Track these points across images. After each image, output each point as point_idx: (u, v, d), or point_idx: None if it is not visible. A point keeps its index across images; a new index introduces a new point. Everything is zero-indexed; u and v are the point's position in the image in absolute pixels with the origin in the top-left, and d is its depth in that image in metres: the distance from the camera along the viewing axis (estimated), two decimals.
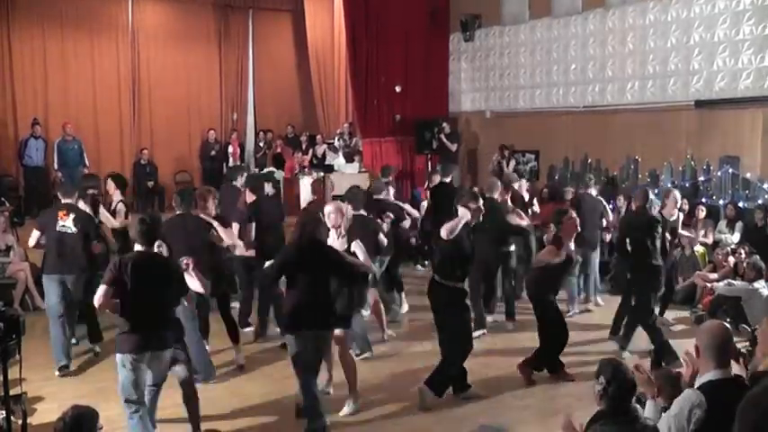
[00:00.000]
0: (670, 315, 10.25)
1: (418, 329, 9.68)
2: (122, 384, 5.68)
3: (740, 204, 12.05)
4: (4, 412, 4.29)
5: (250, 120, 19.67)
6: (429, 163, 17.16)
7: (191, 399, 6.32)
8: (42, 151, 15.60)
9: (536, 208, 11.73)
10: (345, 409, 7.02)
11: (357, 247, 7.48)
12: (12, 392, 4.72)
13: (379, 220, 9.35)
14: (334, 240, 7.12)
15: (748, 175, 12.14)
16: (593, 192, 10.96)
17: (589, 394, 4.15)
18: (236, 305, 9.35)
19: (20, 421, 4.81)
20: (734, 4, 12.21)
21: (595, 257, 10.94)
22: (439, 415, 7.04)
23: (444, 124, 16.77)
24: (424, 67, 17.68)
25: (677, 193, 9.91)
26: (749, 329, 8.80)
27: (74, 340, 8.78)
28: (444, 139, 16.56)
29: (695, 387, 3.99)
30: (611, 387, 3.80)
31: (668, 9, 13.24)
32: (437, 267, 7.37)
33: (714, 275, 10.56)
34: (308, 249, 6.40)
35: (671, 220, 9.57)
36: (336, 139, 17.95)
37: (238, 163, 17.64)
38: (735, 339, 4.13)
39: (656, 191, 12.95)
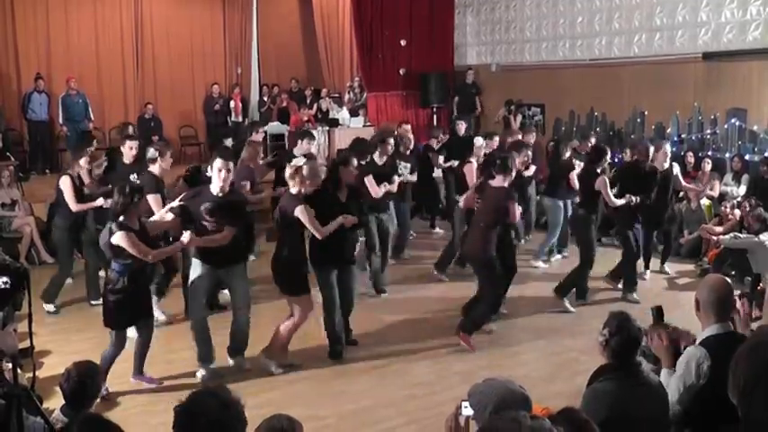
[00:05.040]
0: (675, 268, 10.27)
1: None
2: None
3: (746, 157, 12.00)
4: (10, 365, 4.31)
5: (254, 74, 19.52)
6: (435, 117, 17.09)
7: None
8: (46, 105, 15.49)
9: None
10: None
11: None
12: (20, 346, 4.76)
13: None
14: None
15: (755, 128, 12.07)
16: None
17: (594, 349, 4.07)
18: None
19: (27, 375, 4.85)
20: None
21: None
22: (441, 371, 7.05)
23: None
24: (430, 21, 17.53)
25: (668, 146, 9.69)
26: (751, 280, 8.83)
27: None
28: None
29: (697, 343, 3.99)
30: (614, 339, 3.72)
31: None
32: None
33: (719, 229, 10.49)
34: None
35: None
36: (347, 92, 17.87)
37: (240, 118, 17.59)
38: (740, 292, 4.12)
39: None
